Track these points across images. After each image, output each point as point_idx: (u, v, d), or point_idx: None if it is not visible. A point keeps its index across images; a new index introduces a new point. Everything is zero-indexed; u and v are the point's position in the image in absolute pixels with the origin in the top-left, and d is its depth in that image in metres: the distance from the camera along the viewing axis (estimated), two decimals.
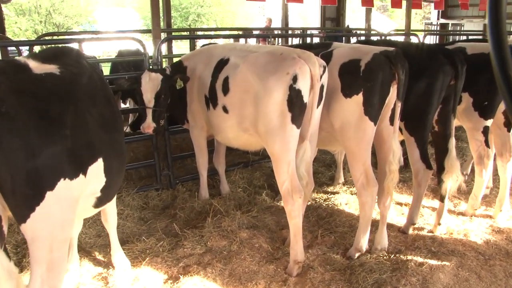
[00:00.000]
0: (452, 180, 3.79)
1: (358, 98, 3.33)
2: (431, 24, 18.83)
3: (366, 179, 3.52)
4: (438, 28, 18.09)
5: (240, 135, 3.82)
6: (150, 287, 3.39)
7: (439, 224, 4.16)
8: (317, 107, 3.37)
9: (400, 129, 3.92)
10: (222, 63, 3.90)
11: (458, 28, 17.00)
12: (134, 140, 5.55)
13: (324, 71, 3.29)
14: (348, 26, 14.57)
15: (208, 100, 4.04)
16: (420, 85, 3.61)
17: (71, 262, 3.41)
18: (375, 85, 3.27)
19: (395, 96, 3.37)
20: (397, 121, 3.36)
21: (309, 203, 4.88)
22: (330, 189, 5.29)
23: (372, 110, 3.33)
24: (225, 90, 3.72)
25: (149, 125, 4.22)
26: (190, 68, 4.43)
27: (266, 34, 10.52)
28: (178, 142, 6.18)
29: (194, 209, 4.65)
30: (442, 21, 18.10)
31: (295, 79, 3.16)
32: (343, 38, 11.11)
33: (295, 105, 3.19)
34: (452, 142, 3.76)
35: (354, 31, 13.03)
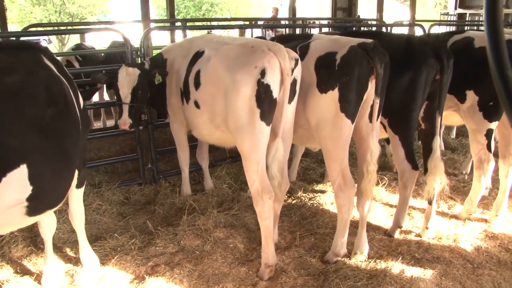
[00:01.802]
0: (435, 182, 3.53)
1: (334, 94, 3.10)
2: (447, 14, 18.09)
3: (343, 180, 3.31)
4: (456, 18, 17.37)
5: (213, 132, 3.65)
6: (115, 287, 3.29)
7: (427, 228, 3.92)
8: (290, 103, 3.16)
9: (385, 127, 3.69)
10: (197, 56, 3.73)
11: (477, 18, 16.27)
12: (121, 133, 5.44)
13: (296, 65, 3.07)
14: (359, 16, 14.10)
15: (182, 94, 3.87)
16: (403, 79, 3.36)
17: (45, 266, 3.29)
18: (351, 80, 3.04)
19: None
20: (375, 119, 3.12)
21: (293, 201, 4.71)
22: (319, 187, 5.08)
23: (349, 107, 3.10)
24: (197, 84, 3.55)
25: (124, 122, 4.09)
26: (170, 60, 4.27)
27: (256, 25, 10.24)
28: (167, 136, 6.04)
29: (174, 206, 4.53)
30: (460, 11, 17.36)
31: (263, 73, 2.96)
32: (353, 29, 10.73)
33: (264, 100, 3.00)
34: (437, 141, 3.49)
35: (359, 22, 12.55)
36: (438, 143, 3.50)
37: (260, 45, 3.10)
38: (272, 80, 2.98)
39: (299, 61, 3.12)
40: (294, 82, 3.11)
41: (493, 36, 0.85)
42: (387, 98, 3.36)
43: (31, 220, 2.62)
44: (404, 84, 3.38)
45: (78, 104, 2.81)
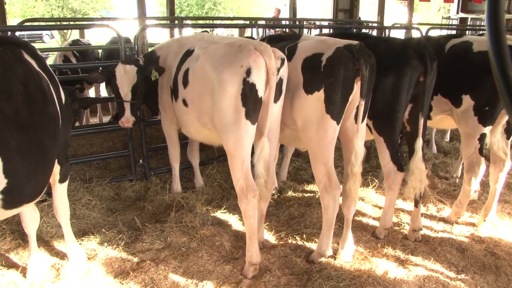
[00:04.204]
0: (416, 183, 3.54)
1: (319, 95, 3.12)
2: (448, 18, 18.04)
3: (329, 181, 3.32)
4: (458, 22, 17.34)
5: (201, 130, 3.67)
6: (99, 282, 3.30)
7: (414, 230, 3.93)
8: (276, 102, 3.18)
9: (370, 129, 3.70)
10: (187, 55, 3.76)
11: (478, 22, 16.24)
12: (114, 129, 5.47)
13: (282, 64, 3.08)
14: (359, 18, 14.09)
15: (172, 92, 3.90)
16: (387, 81, 3.37)
17: (30, 260, 3.31)
18: (337, 81, 3.05)
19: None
20: (360, 121, 3.13)
21: (283, 201, 4.72)
22: (309, 187, 5.09)
23: (334, 108, 3.12)
24: (185, 82, 3.57)
25: (128, 120, 4.11)
26: (163, 58, 4.29)
27: (251, 25, 10.21)
28: (160, 133, 6.05)
29: (164, 203, 4.54)
30: (462, 15, 17.32)
31: (248, 72, 2.97)
32: (354, 30, 10.72)
33: (249, 99, 3.01)
34: (419, 142, 3.50)
35: (359, 24, 12.56)
36: (420, 144, 3.51)
37: (247, 45, 3.12)
38: (258, 79, 2.99)
39: (285, 61, 3.14)
40: (280, 82, 3.13)
41: (494, 36, 0.86)
42: (372, 100, 3.37)
43: (8, 213, 2.64)
44: (388, 85, 3.39)
45: (59, 99, 2.82)
